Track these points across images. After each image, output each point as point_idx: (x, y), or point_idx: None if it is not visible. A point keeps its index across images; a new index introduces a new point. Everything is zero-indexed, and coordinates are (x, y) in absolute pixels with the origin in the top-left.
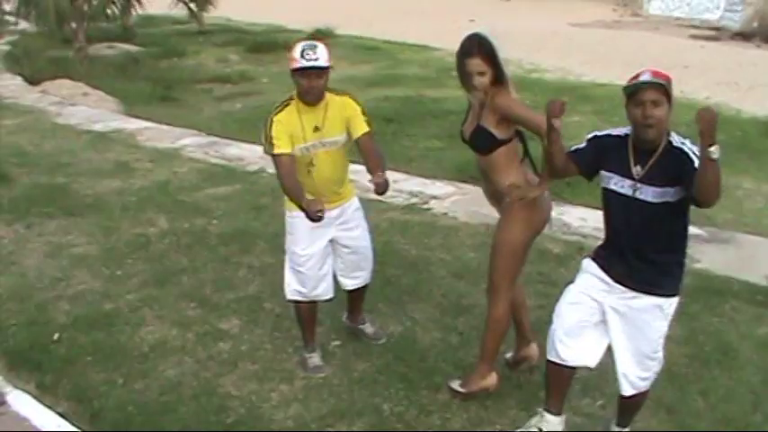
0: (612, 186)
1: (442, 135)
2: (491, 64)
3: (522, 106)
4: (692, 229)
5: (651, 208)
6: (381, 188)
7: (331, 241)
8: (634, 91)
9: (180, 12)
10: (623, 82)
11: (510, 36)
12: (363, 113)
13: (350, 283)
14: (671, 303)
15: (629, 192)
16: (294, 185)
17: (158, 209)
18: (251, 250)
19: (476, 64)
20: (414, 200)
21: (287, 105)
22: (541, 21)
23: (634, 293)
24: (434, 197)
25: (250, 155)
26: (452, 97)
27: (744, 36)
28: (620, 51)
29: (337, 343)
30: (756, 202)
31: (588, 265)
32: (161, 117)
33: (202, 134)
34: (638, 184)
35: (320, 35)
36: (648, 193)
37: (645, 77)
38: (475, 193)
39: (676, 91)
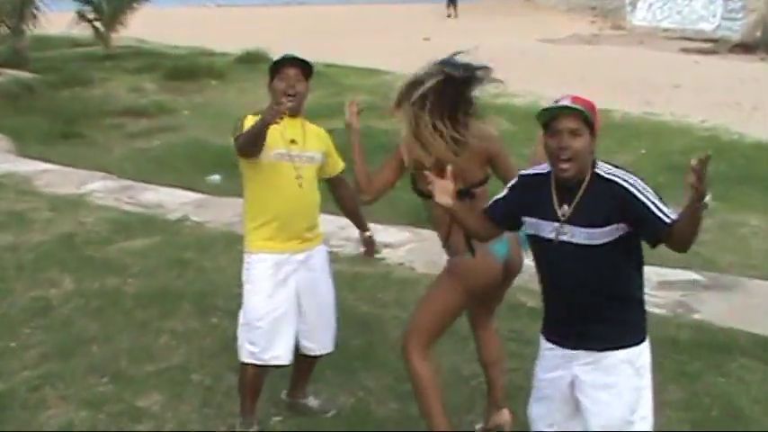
0: (541, 234)
1: None
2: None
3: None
4: (688, 274)
5: (587, 252)
6: (373, 248)
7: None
8: (549, 118)
9: (83, 32)
10: (604, 106)
11: (471, 56)
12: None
13: (316, 347)
14: (640, 353)
15: (553, 236)
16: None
17: (61, 267)
18: (174, 313)
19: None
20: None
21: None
22: (508, 37)
23: (598, 354)
24: (387, 245)
25: (171, 200)
26: None
27: (745, 48)
28: (599, 70)
29: (278, 418)
30: (765, 241)
31: (543, 344)
32: (63, 158)
33: (113, 177)
34: (565, 227)
35: (250, 59)
36: (580, 235)
37: (562, 103)
38: (434, 239)
39: (668, 114)
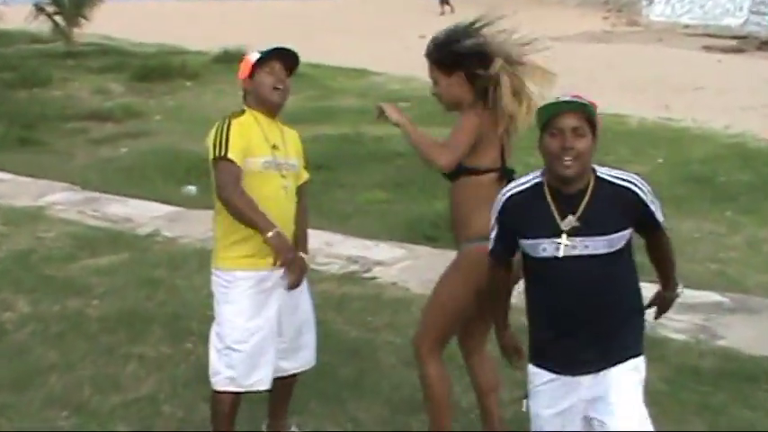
0: (542, 254)
1: (387, 184)
2: (444, 72)
3: (458, 131)
4: (711, 296)
5: (601, 262)
6: (305, 270)
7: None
8: (550, 116)
9: (41, 26)
10: (618, 110)
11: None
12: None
13: (291, 366)
14: (642, 361)
15: (563, 252)
16: (250, 200)
17: (17, 287)
18: (143, 338)
19: (430, 70)
20: (353, 267)
21: (240, 115)
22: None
23: (605, 371)
24: (379, 263)
25: (140, 214)
26: (399, 135)
27: None
28: (612, 71)
29: None
30: None
31: (536, 375)
32: (19, 166)
33: (76, 188)
34: (576, 239)
35: (228, 58)
36: (597, 245)
37: (564, 99)
38: (430, 256)
39: (689, 120)
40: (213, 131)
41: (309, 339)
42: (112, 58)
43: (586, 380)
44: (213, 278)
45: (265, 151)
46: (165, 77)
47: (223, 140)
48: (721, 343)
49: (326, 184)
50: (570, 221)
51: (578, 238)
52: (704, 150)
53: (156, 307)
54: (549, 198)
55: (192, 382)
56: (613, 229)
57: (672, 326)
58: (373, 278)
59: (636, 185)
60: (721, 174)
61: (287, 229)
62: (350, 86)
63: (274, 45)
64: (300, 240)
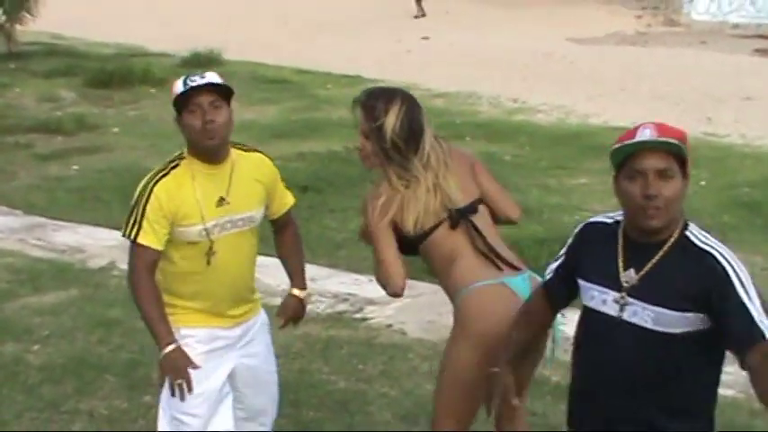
0: (592, 304)
1: None
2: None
3: (377, 229)
4: None
5: (650, 340)
6: (299, 312)
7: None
8: (628, 155)
9: None
10: None
11: (480, 59)
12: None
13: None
14: None
15: (612, 310)
16: (153, 300)
17: None
18: (94, 390)
19: (359, 116)
20: (342, 306)
21: (175, 167)
22: (528, 36)
23: None
24: (371, 302)
25: (93, 243)
26: None
27: None
28: (647, 79)
29: None
30: None
31: None
32: None
33: (17, 212)
34: (629, 299)
35: (199, 62)
36: (645, 315)
37: (645, 134)
38: (431, 294)
39: (736, 135)
40: (138, 191)
41: (273, 403)
42: (63, 60)
43: None
44: None
45: (195, 219)
46: (125, 83)
47: (138, 217)
48: None
49: (313, 209)
50: (631, 277)
51: (630, 299)
52: (755, 171)
53: (109, 353)
54: (620, 242)
55: None
56: (672, 305)
57: None
58: (365, 319)
59: (723, 256)
60: None
61: (211, 300)
62: (341, 96)
63: (192, 76)
64: (296, 275)
